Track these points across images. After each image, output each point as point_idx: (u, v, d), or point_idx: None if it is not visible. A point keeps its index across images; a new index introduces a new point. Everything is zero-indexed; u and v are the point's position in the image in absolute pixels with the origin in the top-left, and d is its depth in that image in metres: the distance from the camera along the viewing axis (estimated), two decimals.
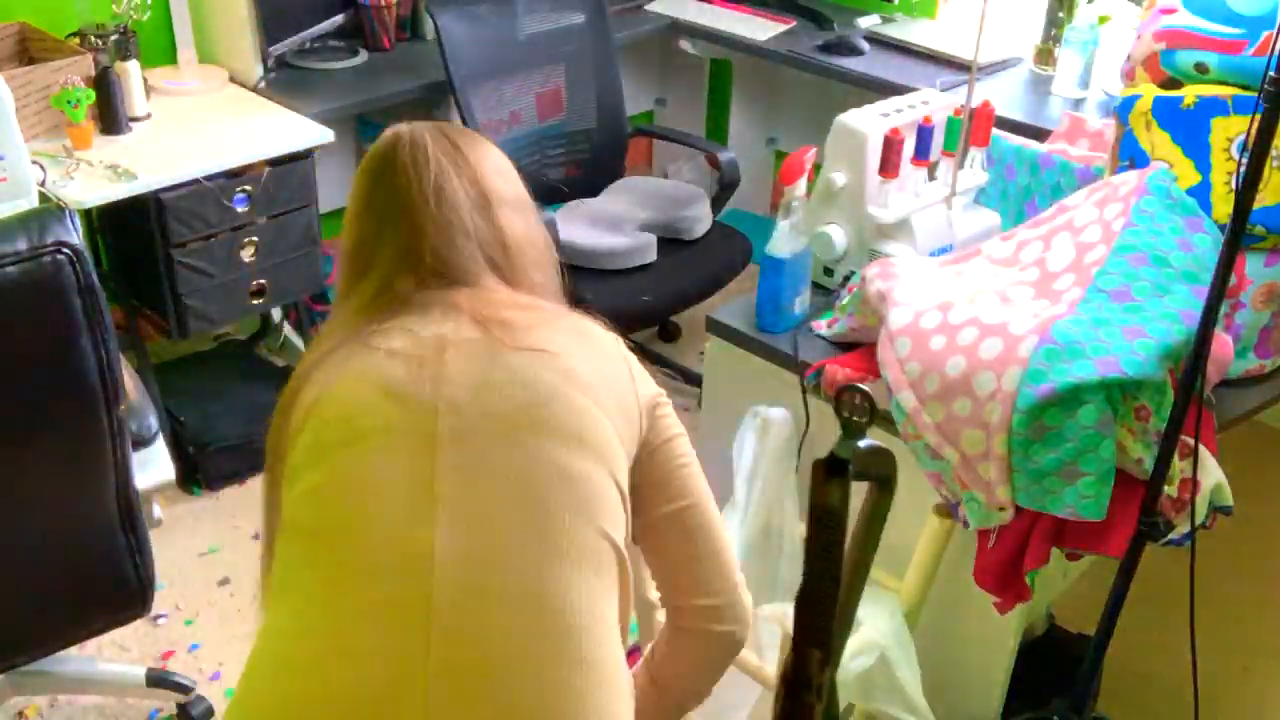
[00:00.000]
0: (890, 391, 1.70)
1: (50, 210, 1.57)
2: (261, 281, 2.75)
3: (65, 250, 1.54)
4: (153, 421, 1.94)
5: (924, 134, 1.97)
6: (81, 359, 1.61)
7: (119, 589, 1.90)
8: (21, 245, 1.52)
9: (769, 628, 1.71)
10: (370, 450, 1.18)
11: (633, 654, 2.07)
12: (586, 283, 2.83)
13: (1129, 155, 1.94)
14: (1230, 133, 1.85)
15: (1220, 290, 1.48)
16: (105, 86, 2.59)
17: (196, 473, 2.84)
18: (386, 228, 1.29)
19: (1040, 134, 2.41)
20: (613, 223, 2.98)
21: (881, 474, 1.25)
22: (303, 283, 2.83)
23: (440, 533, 1.14)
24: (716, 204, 3.13)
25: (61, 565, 1.82)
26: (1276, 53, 1.34)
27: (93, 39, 2.72)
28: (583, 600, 1.16)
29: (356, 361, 1.23)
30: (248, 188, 2.63)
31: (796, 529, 1.91)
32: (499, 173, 1.35)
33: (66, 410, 1.66)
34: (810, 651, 1.21)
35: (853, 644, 1.70)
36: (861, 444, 1.19)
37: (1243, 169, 1.42)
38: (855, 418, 1.17)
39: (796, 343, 1.92)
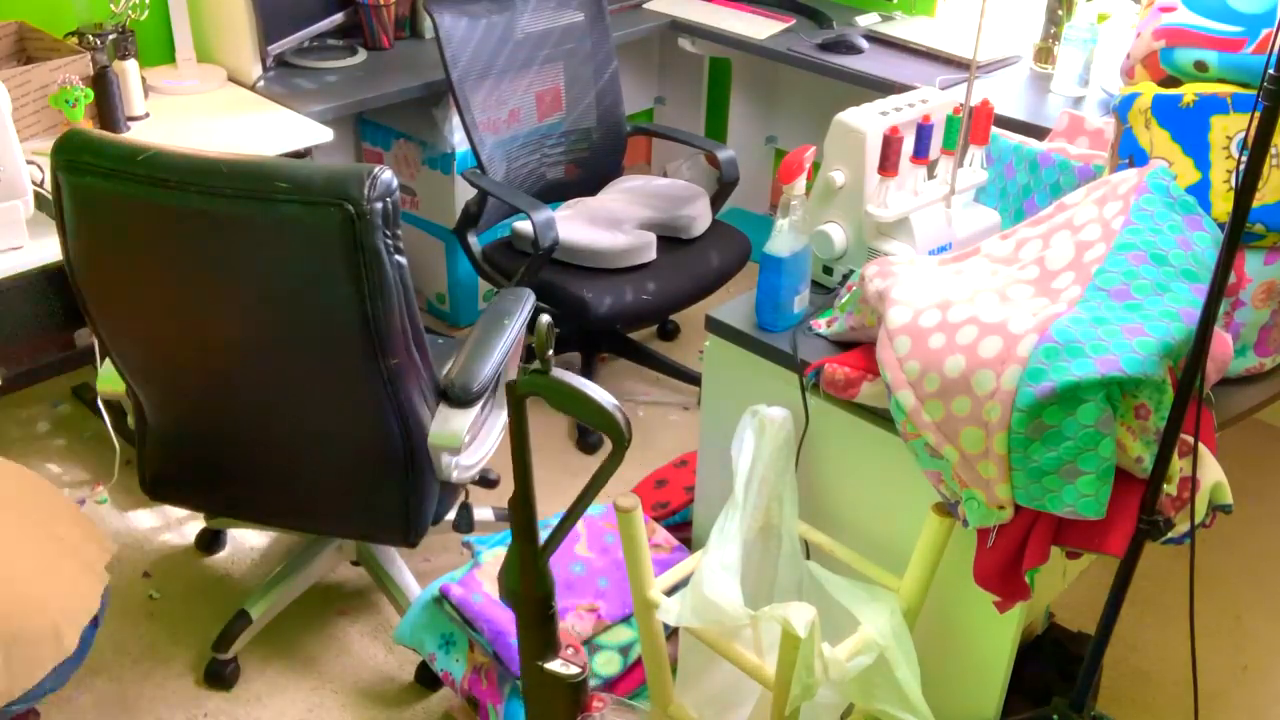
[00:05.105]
0: (890, 390, 1.69)
1: (382, 167, 1.71)
2: None
3: (387, 199, 1.70)
4: (472, 386, 2.03)
5: (923, 132, 1.97)
6: (346, 309, 1.76)
7: (388, 518, 2.10)
8: (355, 193, 1.67)
9: (769, 627, 1.71)
10: None
11: (636, 669, 2.06)
12: (585, 281, 2.83)
13: (1128, 153, 1.94)
14: (1230, 131, 1.85)
15: (1220, 288, 1.47)
16: (103, 86, 2.59)
17: None
18: None
19: (1039, 132, 2.41)
20: (612, 221, 2.98)
21: (605, 427, 1.52)
22: None
23: None
24: (716, 202, 3.13)
25: (349, 476, 2.04)
26: (1276, 50, 1.34)
27: (91, 38, 2.72)
28: None
29: None
30: None
31: (796, 528, 1.91)
32: None
33: (338, 354, 1.83)
34: (524, 545, 1.66)
35: (852, 643, 1.70)
36: (571, 384, 1.50)
37: (1242, 167, 1.42)
38: (535, 347, 1.46)
39: (795, 341, 1.92)
